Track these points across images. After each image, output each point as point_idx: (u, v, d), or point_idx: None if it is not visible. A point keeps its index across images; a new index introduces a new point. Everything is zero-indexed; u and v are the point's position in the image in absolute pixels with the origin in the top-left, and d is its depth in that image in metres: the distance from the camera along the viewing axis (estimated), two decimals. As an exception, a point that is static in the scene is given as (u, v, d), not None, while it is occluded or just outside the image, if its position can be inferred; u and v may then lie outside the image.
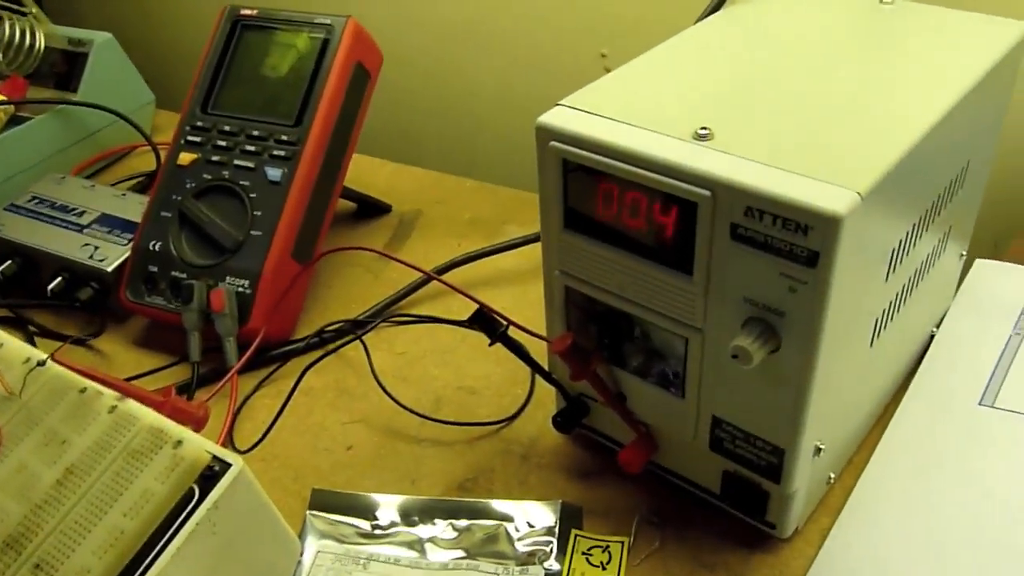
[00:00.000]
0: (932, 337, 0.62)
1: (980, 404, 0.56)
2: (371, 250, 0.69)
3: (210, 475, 0.42)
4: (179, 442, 0.43)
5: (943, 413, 0.56)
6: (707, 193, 0.40)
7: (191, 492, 0.42)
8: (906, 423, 0.56)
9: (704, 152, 0.41)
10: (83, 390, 0.46)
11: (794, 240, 0.39)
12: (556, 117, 0.45)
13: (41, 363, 0.47)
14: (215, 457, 0.42)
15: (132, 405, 0.45)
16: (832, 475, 0.53)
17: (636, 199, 0.44)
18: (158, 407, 0.47)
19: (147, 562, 0.40)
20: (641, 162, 0.42)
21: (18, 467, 0.44)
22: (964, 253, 0.62)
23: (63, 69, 0.89)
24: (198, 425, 0.49)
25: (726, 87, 0.47)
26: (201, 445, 0.43)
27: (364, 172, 0.85)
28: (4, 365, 0.48)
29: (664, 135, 0.43)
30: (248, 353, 0.62)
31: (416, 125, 1.04)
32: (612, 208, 0.45)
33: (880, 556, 0.49)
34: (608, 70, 0.89)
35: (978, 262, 0.67)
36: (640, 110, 0.45)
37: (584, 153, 0.44)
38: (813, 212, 0.38)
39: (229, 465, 0.42)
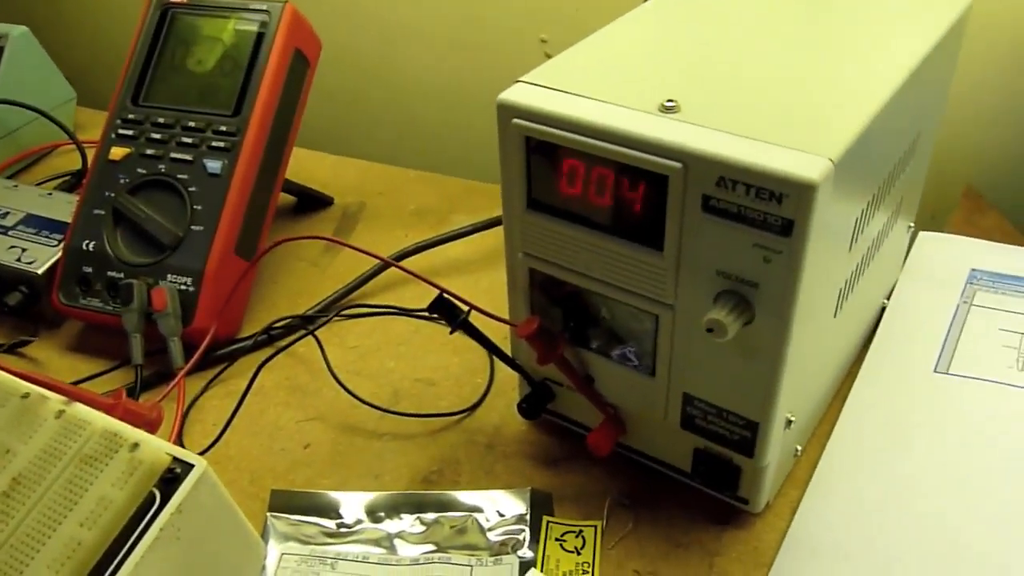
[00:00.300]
0: (883, 309, 0.63)
1: (935, 371, 0.57)
2: (327, 239, 0.67)
3: (171, 478, 0.40)
4: (135, 444, 0.40)
5: (901, 382, 0.57)
6: (678, 165, 0.40)
7: (152, 496, 0.39)
8: (866, 393, 0.57)
9: (672, 124, 0.41)
10: (25, 395, 0.43)
11: (768, 209, 0.39)
12: (518, 94, 0.44)
13: (-22, 369, 0.44)
14: (175, 459, 0.40)
15: (81, 409, 0.43)
16: (799, 448, 0.53)
17: (602, 175, 0.43)
18: (109, 410, 0.44)
19: (108, 573, 0.37)
20: (609, 136, 0.41)
21: (-42, 481, 0.41)
22: (912, 225, 0.63)
23: (-25, 65, 0.84)
24: (151, 427, 0.47)
25: (686, 61, 0.47)
26: (160, 447, 0.40)
27: (304, 165, 0.83)
28: (-65, 373, 0.45)
29: (630, 109, 0.42)
30: (199, 353, 0.59)
31: (354, 116, 1.02)
32: (577, 186, 0.44)
33: (850, 524, 0.49)
34: (548, 56, 0.89)
35: (922, 234, 0.68)
36: (602, 85, 0.44)
37: (548, 129, 0.43)
38: (788, 180, 0.37)
39: (191, 466, 0.40)
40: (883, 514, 0.50)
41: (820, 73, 0.45)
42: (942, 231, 0.70)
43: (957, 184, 0.78)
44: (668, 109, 0.42)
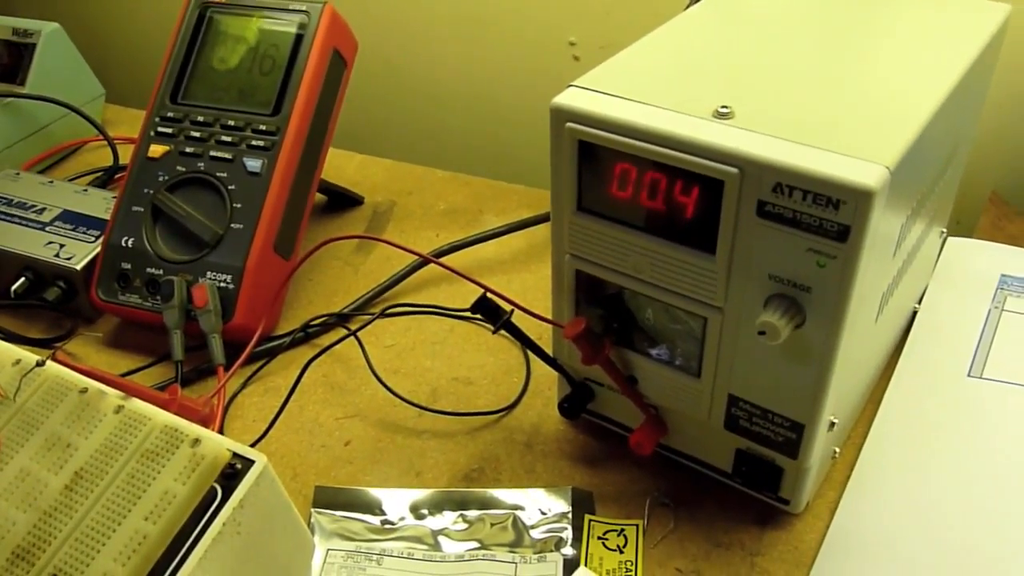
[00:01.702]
0: (914, 313, 0.64)
1: (969, 376, 0.58)
2: (371, 238, 0.67)
3: (231, 473, 0.40)
4: (196, 440, 0.41)
5: (935, 386, 0.58)
6: (734, 171, 0.40)
7: (213, 491, 0.40)
8: (901, 397, 0.57)
9: (728, 130, 0.41)
10: (84, 390, 0.44)
11: (824, 215, 0.39)
12: (571, 98, 0.45)
13: (40, 363, 0.45)
14: (235, 454, 0.41)
15: (139, 404, 0.43)
16: (836, 450, 0.53)
17: (655, 179, 0.43)
18: (164, 405, 0.45)
19: (172, 566, 0.38)
20: (665, 141, 0.42)
21: (20, 474, 0.42)
22: (944, 231, 0.64)
23: (7, 61, 0.85)
24: (204, 422, 0.47)
25: (735, 67, 0.47)
26: (220, 442, 0.41)
27: (332, 164, 0.83)
28: (-7, 368, 0.45)
29: (684, 114, 0.43)
30: (248, 350, 0.60)
31: (382, 116, 1.03)
32: (628, 189, 0.45)
33: (888, 525, 0.50)
34: (577, 58, 0.90)
35: (951, 240, 0.69)
36: (655, 90, 0.45)
37: (603, 133, 0.44)
38: (846, 186, 0.38)
39: (250, 462, 0.41)
40: (921, 515, 0.50)
41: (869, 80, 0.46)
42: (967, 236, 0.70)
43: (981, 189, 0.79)
44: (722, 115, 0.42)
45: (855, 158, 0.39)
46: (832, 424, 0.48)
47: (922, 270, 0.62)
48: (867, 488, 0.52)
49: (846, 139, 0.40)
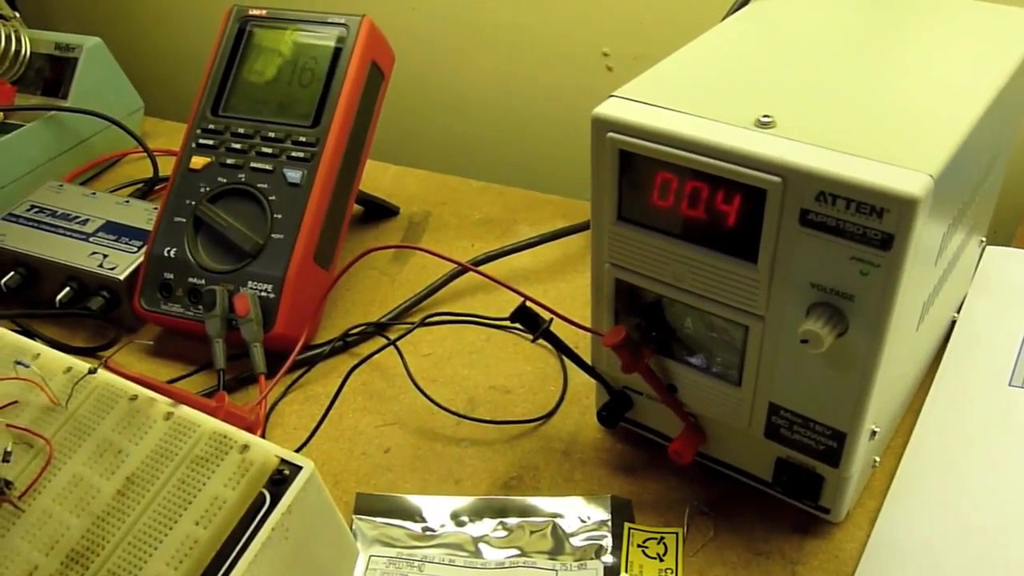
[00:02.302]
0: (953, 322, 0.63)
1: (1011, 385, 0.57)
2: (414, 247, 0.67)
3: (280, 479, 0.41)
4: (245, 446, 0.42)
5: (975, 395, 0.57)
6: (777, 180, 0.41)
7: (262, 497, 0.40)
8: (941, 405, 0.57)
9: (770, 139, 0.42)
10: (134, 397, 0.45)
11: (868, 224, 0.39)
12: (612, 108, 0.45)
13: (92, 371, 0.46)
14: (283, 460, 0.41)
15: (188, 411, 0.44)
16: (877, 459, 0.53)
17: (696, 188, 0.44)
18: (212, 412, 0.45)
19: (223, 570, 0.39)
20: (707, 150, 0.42)
21: (73, 480, 0.42)
22: (983, 240, 0.64)
23: (50, 75, 0.86)
24: (251, 429, 0.48)
25: (775, 76, 0.48)
26: (268, 448, 0.42)
27: (368, 175, 0.84)
28: (46, 375, 0.46)
29: (726, 123, 0.43)
30: (291, 359, 0.60)
31: (417, 127, 1.03)
32: (669, 199, 0.45)
33: (929, 535, 0.50)
34: (610, 69, 0.90)
35: (990, 249, 0.68)
36: (695, 99, 0.45)
37: (644, 143, 0.44)
38: (890, 195, 0.38)
39: (298, 468, 0.41)
40: (961, 525, 0.50)
41: (910, 88, 0.46)
42: (1004, 245, 0.70)
43: (1018, 198, 0.78)
44: (764, 124, 0.43)
45: (899, 166, 0.39)
46: (873, 433, 0.48)
47: (961, 279, 0.62)
48: (907, 498, 0.52)
49: (889, 147, 0.40)
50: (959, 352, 0.61)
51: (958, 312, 0.64)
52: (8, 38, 0.85)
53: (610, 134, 0.45)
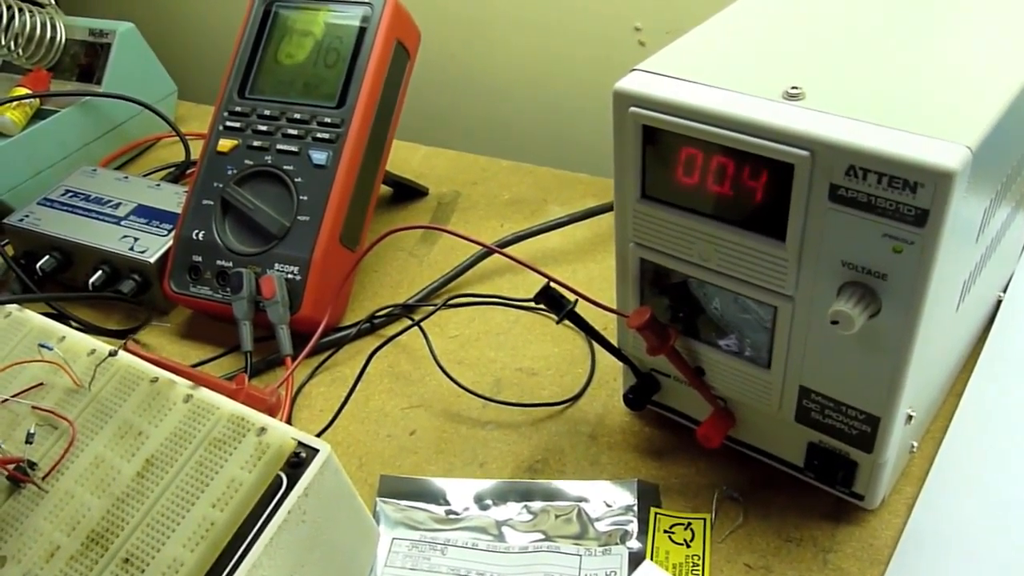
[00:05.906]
0: (999, 302, 0.61)
1: (1058, 368, 0.55)
2: (438, 228, 0.67)
3: (297, 462, 0.41)
4: (262, 429, 0.42)
5: (1021, 379, 0.55)
6: (805, 154, 0.39)
7: (279, 479, 0.40)
8: (984, 389, 0.55)
9: (798, 111, 0.40)
10: (154, 380, 0.45)
11: (901, 199, 0.38)
12: (635, 82, 0.44)
13: (113, 353, 0.46)
14: (300, 443, 0.41)
15: (207, 394, 0.44)
16: (914, 444, 0.52)
17: (722, 164, 0.42)
18: (232, 394, 0.45)
19: (240, 552, 0.38)
20: (731, 124, 0.41)
21: (95, 461, 0.43)
22: (1030, 215, 0.61)
23: (85, 61, 0.87)
24: (271, 412, 0.48)
25: (805, 47, 0.46)
26: (285, 431, 0.41)
27: (397, 155, 0.83)
28: (70, 358, 0.46)
29: (752, 96, 0.41)
30: (314, 340, 0.60)
31: (446, 107, 1.03)
32: (694, 175, 0.44)
33: (969, 523, 0.48)
34: (643, 44, 0.88)
35: (1038, 225, 0.66)
36: (721, 72, 0.43)
37: (667, 118, 0.43)
38: (925, 168, 0.36)
39: (315, 451, 0.41)
40: (1003, 513, 0.48)
41: (946, 57, 0.44)
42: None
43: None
44: (793, 96, 0.41)
45: (934, 138, 0.37)
46: (910, 417, 0.46)
47: (1008, 257, 0.60)
48: (947, 484, 0.50)
49: (924, 118, 0.38)
50: (1005, 333, 0.59)
51: (1004, 292, 0.62)
52: (43, 25, 0.86)
53: (633, 109, 0.44)
